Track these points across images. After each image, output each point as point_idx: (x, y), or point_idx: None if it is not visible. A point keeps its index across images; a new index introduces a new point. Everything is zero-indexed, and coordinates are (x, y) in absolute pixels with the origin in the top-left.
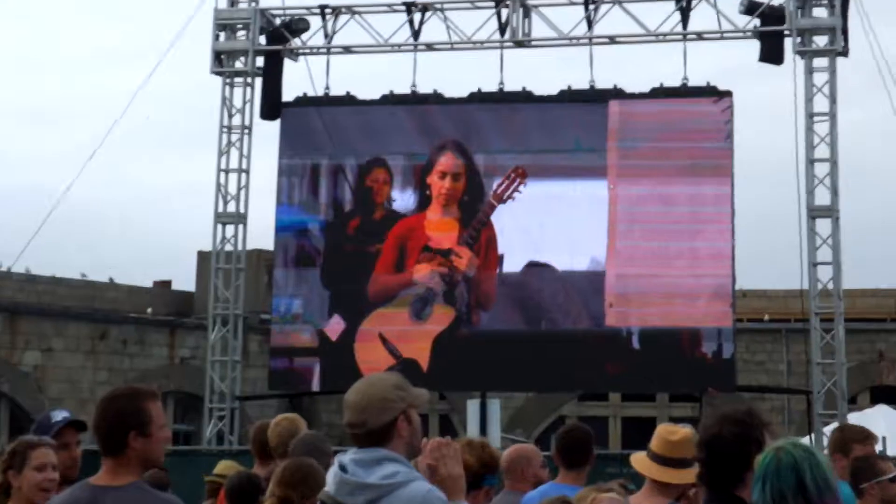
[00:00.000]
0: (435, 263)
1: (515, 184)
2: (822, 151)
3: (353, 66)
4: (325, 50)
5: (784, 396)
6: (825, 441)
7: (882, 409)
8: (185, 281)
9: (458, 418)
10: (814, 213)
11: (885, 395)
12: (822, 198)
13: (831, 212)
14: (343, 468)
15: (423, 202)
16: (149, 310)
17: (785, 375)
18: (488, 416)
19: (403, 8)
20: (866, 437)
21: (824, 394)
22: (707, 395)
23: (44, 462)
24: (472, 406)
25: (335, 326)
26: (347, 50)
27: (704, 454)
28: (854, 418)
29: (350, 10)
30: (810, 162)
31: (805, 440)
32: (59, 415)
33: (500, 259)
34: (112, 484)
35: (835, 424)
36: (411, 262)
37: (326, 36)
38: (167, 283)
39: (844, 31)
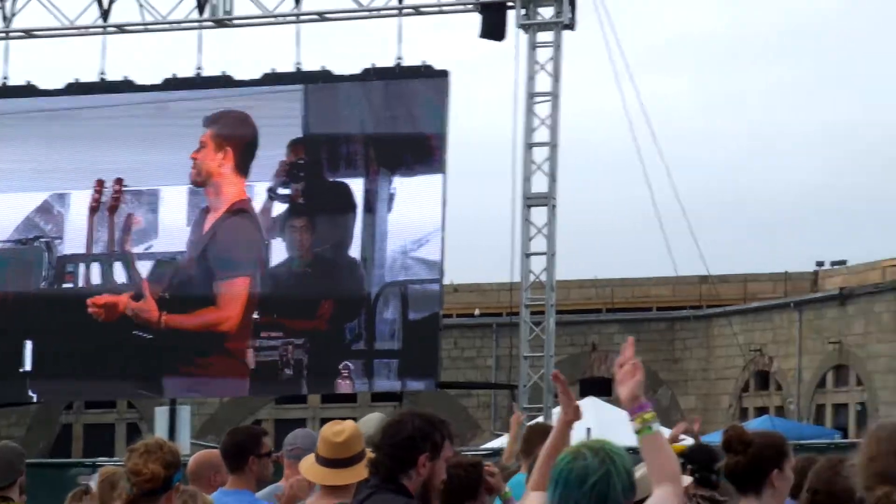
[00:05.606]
0: None
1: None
2: (542, 135)
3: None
4: (3, 34)
5: (490, 392)
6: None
7: (590, 401)
8: None
9: (147, 426)
10: (530, 201)
11: (596, 386)
12: (540, 185)
13: (548, 199)
14: None
15: None
16: None
17: (493, 370)
18: (178, 423)
19: None
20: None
21: (530, 387)
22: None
23: None
24: (161, 413)
25: None
26: (28, 34)
27: (382, 438)
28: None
29: None
30: (528, 146)
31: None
32: None
33: None
34: None
35: (540, 418)
36: None
37: (5, 18)
38: None
39: (572, 2)
